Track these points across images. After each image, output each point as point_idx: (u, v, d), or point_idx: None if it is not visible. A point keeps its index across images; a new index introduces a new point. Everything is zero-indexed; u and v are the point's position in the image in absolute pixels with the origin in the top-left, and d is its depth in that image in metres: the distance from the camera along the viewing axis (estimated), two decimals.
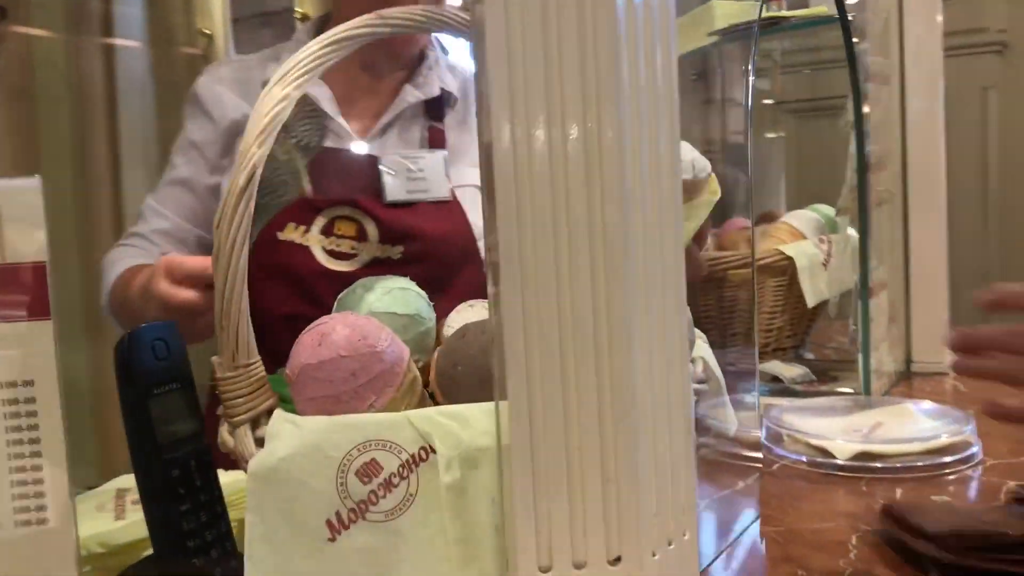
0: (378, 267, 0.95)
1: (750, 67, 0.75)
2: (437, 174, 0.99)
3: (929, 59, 1.14)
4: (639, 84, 0.44)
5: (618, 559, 0.44)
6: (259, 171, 0.48)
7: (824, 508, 0.71)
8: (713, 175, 0.72)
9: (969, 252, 3.12)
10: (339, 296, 0.60)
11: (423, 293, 0.60)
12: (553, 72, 0.42)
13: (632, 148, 0.43)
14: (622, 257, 0.43)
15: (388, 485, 0.48)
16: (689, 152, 0.72)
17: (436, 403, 0.54)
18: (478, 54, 0.44)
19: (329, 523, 0.48)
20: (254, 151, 0.49)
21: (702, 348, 0.67)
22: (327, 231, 0.95)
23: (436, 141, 1.03)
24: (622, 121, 0.42)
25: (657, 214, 0.45)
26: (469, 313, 0.58)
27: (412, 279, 0.61)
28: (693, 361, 0.65)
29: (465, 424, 0.49)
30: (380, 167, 0.96)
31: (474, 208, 1.01)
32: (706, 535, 0.68)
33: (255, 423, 0.51)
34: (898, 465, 0.78)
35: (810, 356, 1.26)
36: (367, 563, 0.48)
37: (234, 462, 0.52)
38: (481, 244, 1.05)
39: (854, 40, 1.05)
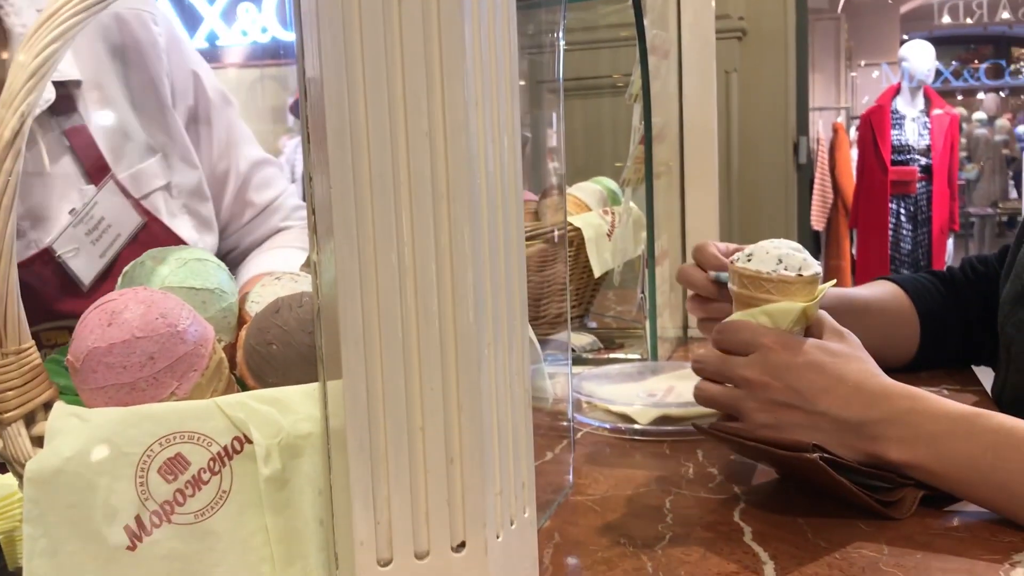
0: None
1: (560, 36, 0.73)
2: (118, 206, 0.82)
3: (703, 35, 1.19)
4: (483, 58, 0.41)
5: (462, 544, 0.41)
6: (28, 121, 0.41)
7: (632, 473, 0.72)
8: (821, 285, 0.69)
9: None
10: (124, 270, 0.52)
11: (223, 265, 0.53)
12: (395, 53, 0.38)
13: (475, 109, 0.40)
14: (468, 224, 0.39)
15: (197, 482, 0.43)
16: (799, 251, 0.70)
17: (245, 387, 0.49)
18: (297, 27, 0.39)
19: (128, 529, 0.42)
20: (21, 98, 0.41)
21: None
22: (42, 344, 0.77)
23: (83, 147, 0.83)
24: (466, 79, 0.39)
25: (500, 186, 0.42)
26: (276, 287, 0.53)
27: None
28: None
29: (285, 409, 0.44)
30: (60, 258, 0.78)
31: (170, 215, 0.88)
32: None
33: (30, 419, 0.43)
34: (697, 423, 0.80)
35: (593, 325, 1.29)
36: (175, 570, 0.42)
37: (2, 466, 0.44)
38: (203, 238, 0.94)
39: (626, 17, 1.07)
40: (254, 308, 0.52)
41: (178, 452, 0.42)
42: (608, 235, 1.20)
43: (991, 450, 0.59)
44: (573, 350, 1.13)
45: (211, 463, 0.43)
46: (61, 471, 0.41)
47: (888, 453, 0.62)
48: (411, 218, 0.39)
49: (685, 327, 1.23)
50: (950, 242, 4.46)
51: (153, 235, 0.84)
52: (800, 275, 0.67)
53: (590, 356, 1.12)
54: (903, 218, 4.07)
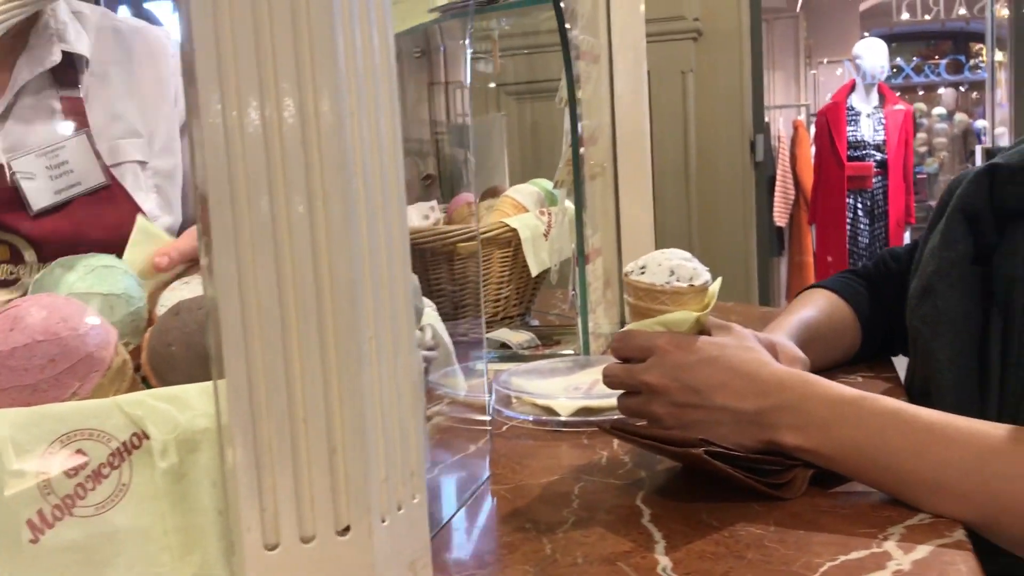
0: None
1: (466, 42, 0.76)
2: (85, 159, 0.89)
3: (633, 40, 1.22)
4: (356, 55, 0.43)
5: (347, 529, 0.44)
6: None
7: (550, 463, 0.75)
8: (713, 290, 0.73)
9: (674, 218, 3.41)
10: (35, 277, 0.54)
11: (132, 271, 0.56)
12: (266, 47, 0.41)
13: (351, 117, 0.43)
14: (344, 224, 0.42)
15: (97, 476, 0.45)
16: (690, 261, 0.73)
17: (150, 387, 0.51)
18: (183, 23, 0.42)
19: (30, 523, 0.44)
20: None
21: (431, 316, 0.68)
22: None
23: (73, 113, 0.92)
24: (339, 90, 0.42)
25: (380, 184, 0.45)
26: (184, 291, 0.55)
27: None
28: (422, 329, 0.66)
29: (182, 406, 0.47)
30: (14, 175, 0.85)
31: (137, 188, 0.94)
32: (441, 498, 0.70)
33: None
34: (614, 416, 0.84)
35: (535, 323, 1.32)
36: (77, 561, 0.45)
37: None
38: (163, 217, 1.00)
39: (567, 22, 1.11)
40: (161, 311, 0.54)
41: (79, 449, 0.45)
42: (545, 235, 1.23)
43: (876, 433, 0.62)
44: (510, 347, 1.16)
45: (111, 458, 0.45)
46: None
47: (783, 439, 0.65)
48: (287, 217, 0.41)
49: (622, 323, 1.26)
50: (907, 235, 4.54)
51: (114, 199, 0.90)
52: (692, 285, 0.70)
53: (527, 352, 1.15)
54: (860, 212, 4.14)
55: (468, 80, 0.76)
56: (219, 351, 0.42)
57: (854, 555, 0.55)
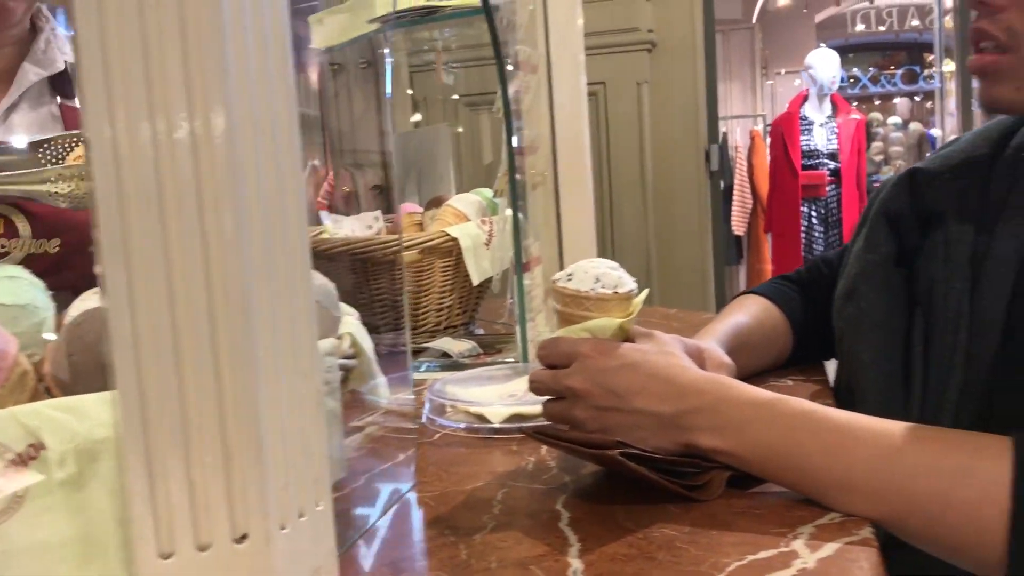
0: (35, 263, 0.87)
1: (384, 52, 0.77)
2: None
3: (572, 51, 1.23)
4: (248, 69, 0.44)
5: (244, 536, 0.44)
6: None
7: (477, 469, 0.76)
8: (638, 300, 0.74)
9: (631, 227, 3.43)
10: None
11: (38, 282, 0.55)
12: (153, 62, 0.41)
13: (242, 131, 0.43)
14: (236, 236, 0.42)
15: None
16: (615, 270, 0.74)
17: (53, 398, 0.51)
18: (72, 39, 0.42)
19: None
20: None
21: (351, 324, 0.68)
22: None
23: (70, 121, 0.96)
24: (229, 105, 0.42)
25: (277, 195, 0.45)
26: (92, 300, 0.55)
27: (74, 272, 0.56)
28: (341, 337, 0.66)
29: (81, 416, 0.46)
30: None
31: None
32: (365, 505, 0.70)
33: None
34: (544, 422, 0.84)
35: (480, 331, 1.33)
36: None
37: None
38: None
39: (502, 33, 1.12)
40: (68, 322, 0.54)
41: None
42: (486, 244, 1.24)
43: (788, 433, 0.63)
44: (451, 356, 1.16)
45: (5, 470, 0.45)
46: None
47: (700, 441, 0.66)
48: (178, 230, 0.41)
49: None
50: None
51: None
52: (616, 292, 0.71)
53: (468, 361, 1.16)
54: (815, 221, 4.20)
55: (389, 92, 0.76)
56: (112, 360, 0.42)
57: (762, 554, 0.56)
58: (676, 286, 3.38)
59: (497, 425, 0.85)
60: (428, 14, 1.28)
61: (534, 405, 0.86)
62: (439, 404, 0.91)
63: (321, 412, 0.49)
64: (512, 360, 1.13)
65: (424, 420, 0.90)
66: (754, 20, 7.16)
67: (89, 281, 0.59)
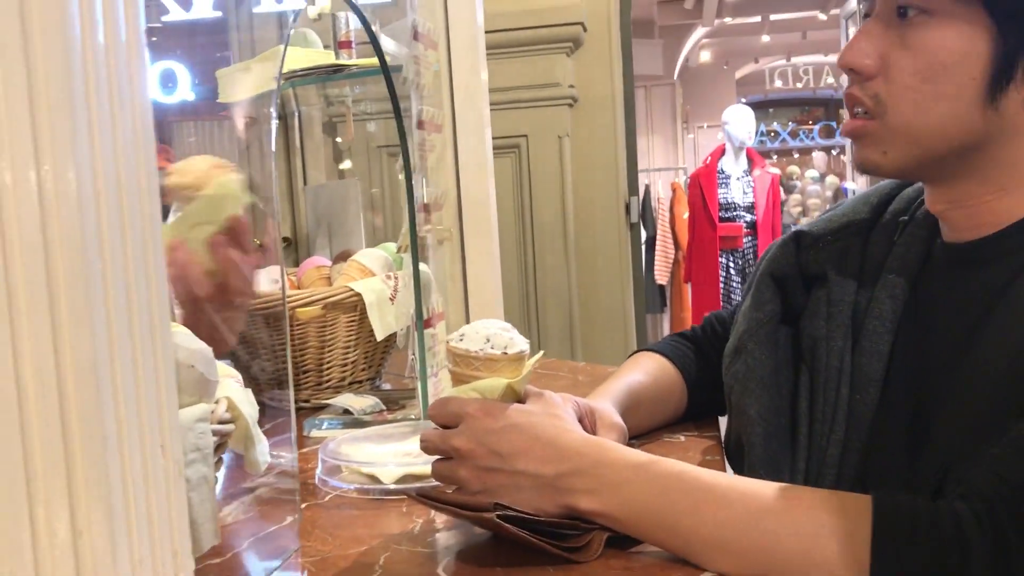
0: None
1: (266, 108, 0.77)
2: None
3: (476, 109, 1.26)
4: (100, 127, 0.44)
5: None
6: None
7: (363, 532, 0.75)
8: (531, 362, 0.76)
9: (553, 278, 3.46)
10: None
11: None
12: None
13: (93, 190, 0.43)
14: (86, 307, 0.42)
15: None
16: (507, 331, 0.76)
17: None
18: None
19: None
20: None
21: (230, 388, 0.67)
22: None
23: None
24: (78, 165, 0.42)
25: (130, 262, 0.45)
26: None
27: None
28: (218, 402, 0.65)
29: None
30: None
31: None
32: (244, 572, 0.69)
33: None
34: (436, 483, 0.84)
35: (387, 386, 1.32)
36: None
37: None
38: None
39: (410, 92, 1.13)
40: None
41: None
42: (391, 299, 1.24)
43: (661, 494, 0.64)
44: (352, 413, 1.15)
45: None
46: None
47: (579, 503, 0.67)
48: (25, 300, 0.41)
49: None
50: None
51: None
52: (505, 353, 0.72)
53: (369, 418, 1.15)
54: (732, 271, 4.30)
55: (272, 147, 0.77)
56: None
57: None
58: (599, 335, 3.41)
59: (389, 486, 0.85)
60: (336, 71, 1.29)
61: (428, 465, 0.86)
62: (332, 465, 0.90)
63: (181, 484, 0.48)
64: (414, 417, 1.13)
65: (317, 481, 0.89)
66: (675, 76, 7.38)
67: None
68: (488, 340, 0.73)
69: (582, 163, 3.61)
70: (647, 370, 1.01)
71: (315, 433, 1.09)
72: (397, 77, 1.15)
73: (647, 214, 5.30)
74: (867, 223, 0.85)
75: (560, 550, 0.65)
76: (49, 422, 0.42)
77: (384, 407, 1.19)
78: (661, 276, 5.32)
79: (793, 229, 0.92)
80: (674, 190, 5.42)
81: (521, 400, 0.74)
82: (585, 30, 3.59)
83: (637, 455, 0.67)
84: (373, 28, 1.09)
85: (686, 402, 1.03)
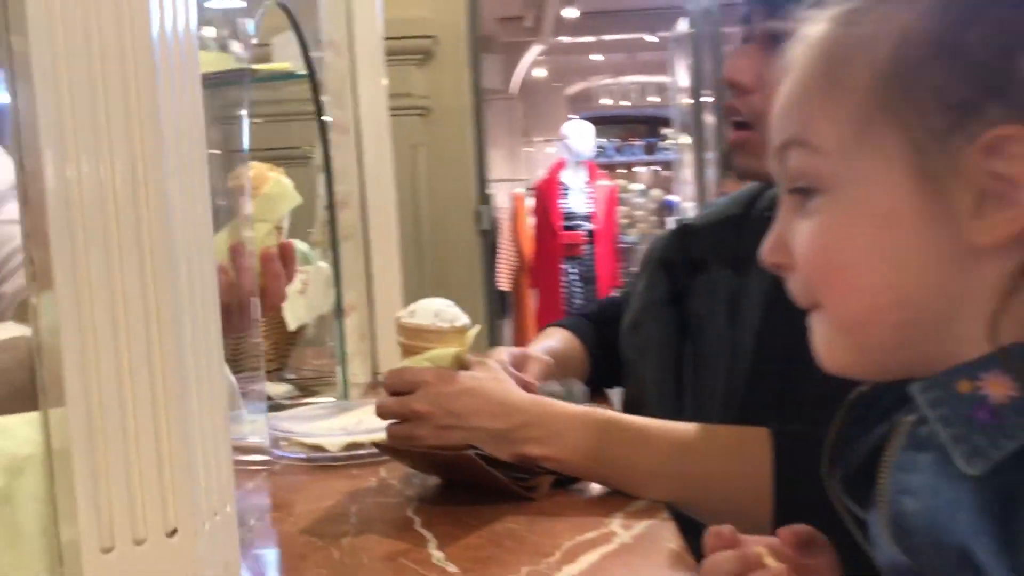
0: None
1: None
2: None
3: (378, 113, 1.35)
4: (175, 121, 0.51)
5: (175, 531, 0.50)
6: None
7: (325, 490, 0.83)
8: (471, 333, 0.86)
9: (407, 283, 3.54)
10: None
11: None
12: (100, 111, 0.48)
13: (172, 176, 0.51)
14: (168, 270, 0.49)
15: None
16: (452, 307, 0.87)
17: None
18: (14, 87, 0.48)
19: None
20: None
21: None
22: None
23: None
24: (162, 153, 0.50)
25: (194, 235, 0.53)
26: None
27: None
28: None
29: (7, 435, 0.51)
30: None
31: None
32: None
33: None
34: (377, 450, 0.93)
35: (291, 376, 1.38)
36: None
37: None
38: None
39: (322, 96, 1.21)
40: None
41: None
42: (302, 292, 1.31)
43: (600, 436, 0.77)
44: (271, 398, 1.21)
45: None
46: None
47: (531, 451, 0.78)
48: (121, 270, 0.48)
49: (374, 373, 1.35)
50: None
51: None
52: (452, 326, 0.83)
53: (287, 402, 1.21)
54: (574, 277, 4.52)
55: (246, 146, 0.84)
56: (56, 382, 0.48)
57: (588, 535, 0.68)
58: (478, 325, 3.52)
59: (336, 453, 0.93)
60: (240, 75, 1.34)
61: (368, 435, 0.95)
62: (275, 437, 0.97)
63: (228, 427, 0.56)
64: (333, 400, 1.20)
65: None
66: (515, 91, 7.62)
67: None
68: (437, 315, 0.83)
69: (434, 172, 3.72)
70: (560, 340, 1.13)
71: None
72: (303, 82, 1.22)
73: (491, 223, 5.46)
74: (738, 218, 1.01)
75: (518, 487, 0.75)
76: (140, 367, 0.49)
77: (299, 392, 1.26)
78: (504, 283, 5.48)
79: (678, 223, 1.07)
80: (515, 200, 5.61)
81: (467, 367, 0.84)
82: (436, 43, 3.69)
83: (574, 407, 0.79)
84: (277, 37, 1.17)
85: (589, 371, 1.15)
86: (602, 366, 1.15)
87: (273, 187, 0.94)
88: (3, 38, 0.49)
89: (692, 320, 0.97)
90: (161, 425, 0.49)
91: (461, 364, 0.84)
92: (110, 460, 0.48)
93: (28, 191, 0.48)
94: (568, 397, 0.87)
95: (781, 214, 0.49)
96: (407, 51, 3.62)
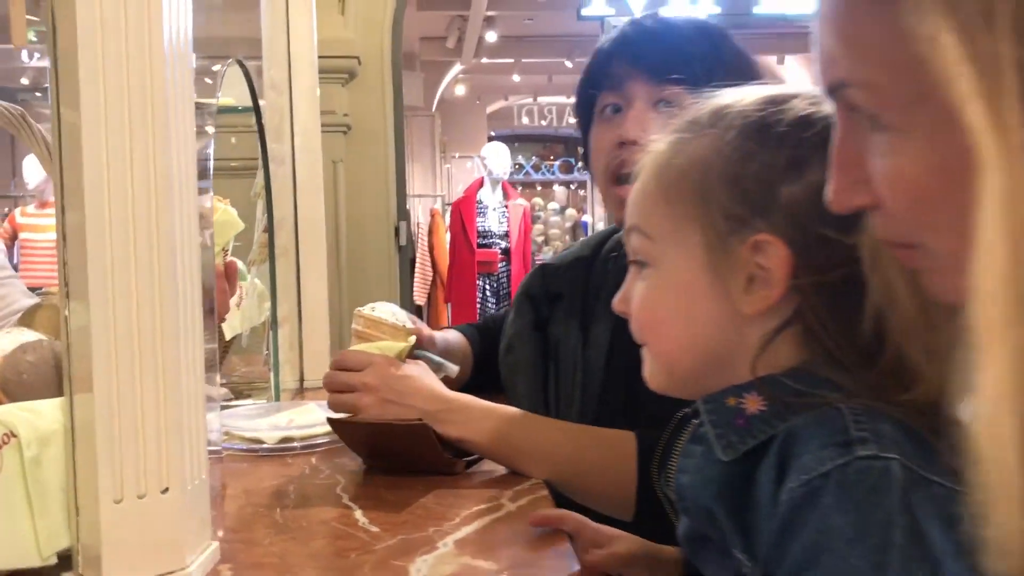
0: None
1: None
2: None
3: (311, 147, 1.51)
4: (179, 171, 0.68)
5: (167, 489, 0.66)
6: None
7: (266, 474, 0.99)
8: (412, 336, 1.06)
9: (330, 295, 3.67)
10: None
11: None
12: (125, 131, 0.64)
13: (177, 199, 0.67)
14: (171, 281, 0.66)
15: None
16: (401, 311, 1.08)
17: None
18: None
19: None
20: None
21: None
22: None
23: None
24: (170, 199, 0.66)
25: (188, 252, 0.69)
26: (15, 335, 0.74)
27: None
28: None
29: (38, 415, 0.67)
30: None
31: None
32: None
33: None
34: (309, 443, 1.10)
35: (224, 381, 1.53)
36: None
37: None
38: None
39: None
40: None
41: None
42: (237, 306, 1.46)
43: (508, 426, 0.95)
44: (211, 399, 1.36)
45: None
46: None
47: (448, 431, 0.96)
48: (136, 288, 0.64)
49: (301, 380, 1.52)
50: None
51: None
52: (404, 326, 1.01)
53: (224, 403, 1.36)
54: (488, 293, 4.72)
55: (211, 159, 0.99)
56: (86, 373, 0.64)
57: (483, 505, 0.86)
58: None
59: (272, 445, 1.09)
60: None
61: (301, 430, 1.12)
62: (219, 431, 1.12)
63: (203, 410, 0.73)
64: (264, 401, 1.36)
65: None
66: (434, 108, 7.80)
67: None
68: (394, 314, 1.02)
69: (355, 188, 3.87)
70: (456, 336, 1.32)
71: None
72: (247, 116, 1.38)
73: (409, 238, 5.62)
74: (588, 259, 1.22)
75: (445, 461, 0.93)
76: (150, 365, 0.65)
77: (233, 396, 1.41)
78: (419, 297, 5.65)
79: (539, 263, 1.29)
80: (433, 216, 5.79)
81: (404, 362, 1.02)
82: (360, 64, 3.84)
83: (489, 404, 0.98)
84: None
85: (471, 372, 1.33)
86: (484, 372, 1.33)
87: (222, 215, 1.10)
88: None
89: (552, 344, 1.17)
90: (160, 408, 0.66)
91: (402, 359, 1.02)
92: (123, 434, 0.64)
93: (66, 229, 0.64)
94: (439, 369, 1.06)
95: (628, 276, 0.67)
96: (333, 70, 3.74)
